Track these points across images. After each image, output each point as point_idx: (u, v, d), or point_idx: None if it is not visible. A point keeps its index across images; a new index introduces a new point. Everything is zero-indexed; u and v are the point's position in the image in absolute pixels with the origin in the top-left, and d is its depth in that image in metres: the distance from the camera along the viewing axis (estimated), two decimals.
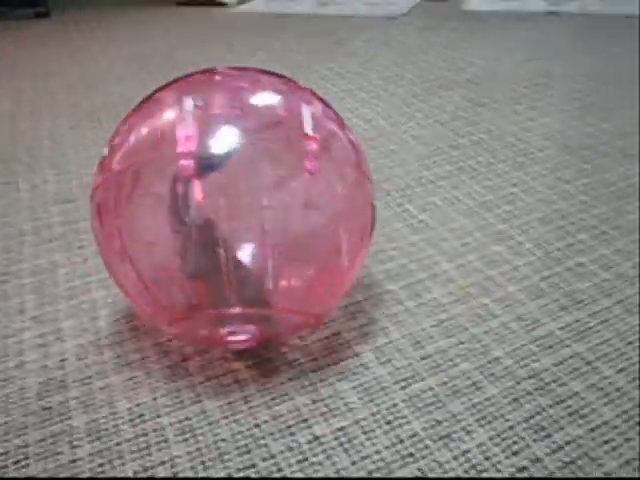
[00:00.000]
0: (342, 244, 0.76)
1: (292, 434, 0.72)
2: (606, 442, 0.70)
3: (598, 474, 0.66)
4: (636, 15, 2.37)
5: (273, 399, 0.77)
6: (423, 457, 0.69)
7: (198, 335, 0.80)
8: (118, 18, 2.65)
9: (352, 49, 2.06)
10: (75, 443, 0.73)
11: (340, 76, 1.79)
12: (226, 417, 0.75)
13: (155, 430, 0.73)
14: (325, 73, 1.82)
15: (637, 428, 0.71)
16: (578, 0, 2.61)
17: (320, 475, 0.67)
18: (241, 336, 0.77)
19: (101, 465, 0.70)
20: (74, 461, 0.70)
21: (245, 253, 0.70)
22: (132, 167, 0.73)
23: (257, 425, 0.73)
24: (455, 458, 0.69)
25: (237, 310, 0.73)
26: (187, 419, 0.75)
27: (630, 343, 0.83)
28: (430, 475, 0.67)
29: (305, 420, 0.74)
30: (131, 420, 0.75)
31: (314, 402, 0.76)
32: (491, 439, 0.71)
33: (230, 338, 0.77)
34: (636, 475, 0.66)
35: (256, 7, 2.73)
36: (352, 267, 0.79)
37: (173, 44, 2.23)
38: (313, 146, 0.72)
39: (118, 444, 0.72)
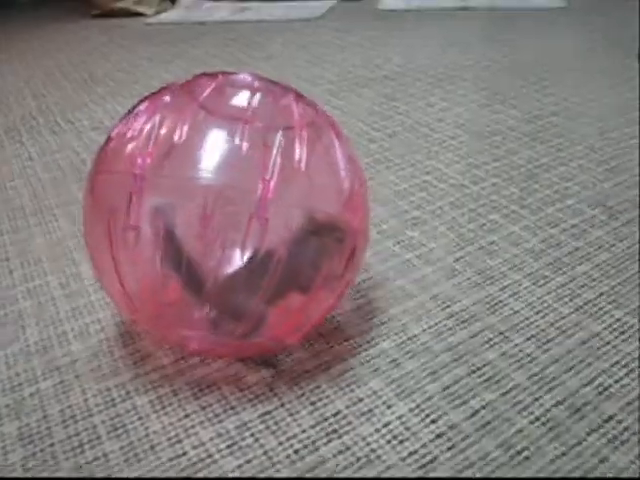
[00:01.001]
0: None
1: (220, 421, 0.74)
2: (517, 403, 0.74)
3: (511, 432, 0.70)
4: (539, 7, 2.46)
5: (201, 390, 0.79)
6: (346, 432, 0.72)
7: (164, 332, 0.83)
8: (35, 31, 2.64)
9: (269, 53, 2.09)
10: (8, 448, 0.74)
11: None
12: (156, 411, 0.77)
13: (87, 429, 0.75)
14: None
15: (544, 388, 0.76)
16: None
17: (249, 458, 0.70)
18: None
19: (34, 467, 0.71)
20: (7, 466, 0.71)
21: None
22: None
23: (187, 415, 0.75)
24: (377, 431, 0.72)
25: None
26: (118, 416, 0.76)
27: (538, 312, 0.87)
28: (354, 448, 0.70)
29: (233, 407, 0.76)
30: (63, 422, 0.76)
31: (241, 390, 0.78)
32: (411, 410, 0.74)
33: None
34: (544, 430, 0.71)
35: (174, 17, 2.75)
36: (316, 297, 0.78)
37: (91, 56, 2.23)
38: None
39: (51, 445, 0.73)
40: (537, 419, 0.72)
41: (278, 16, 2.62)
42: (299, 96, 0.78)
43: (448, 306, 0.90)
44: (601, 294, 0.91)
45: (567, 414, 0.73)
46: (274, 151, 0.71)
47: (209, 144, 0.73)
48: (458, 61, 1.88)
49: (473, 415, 0.73)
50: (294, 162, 0.72)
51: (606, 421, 0.72)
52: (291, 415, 0.75)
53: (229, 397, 0.78)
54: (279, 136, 0.72)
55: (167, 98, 0.77)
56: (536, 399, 0.75)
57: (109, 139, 0.78)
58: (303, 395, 0.77)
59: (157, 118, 0.74)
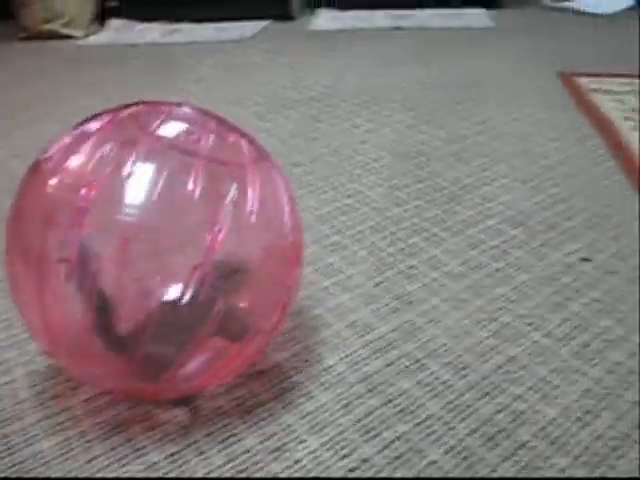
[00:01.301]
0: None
1: (127, 463, 0.72)
2: (431, 433, 0.73)
3: (423, 464, 0.69)
4: (469, 27, 2.49)
5: (110, 430, 0.76)
6: (257, 471, 0.70)
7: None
8: None
9: (198, 75, 2.07)
10: None
11: None
12: (62, 454, 0.73)
13: None
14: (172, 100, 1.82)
15: (459, 416, 0.75)
16: (418, 16, 2.72)
17: None
18: None
19: None
20: None
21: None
22: None
23: (94, 458, 0.72)
24: (288, 467, 0.70)
25: None
26: (20, 462, 0.73)
27: (455, 337, 0.86)
28: None
29: (141, 448, 0.73)
30: None
31: (151, 429, 0.75)
32: (323, 445, 0.72)
33: None
34: (458, 460, 0.69)
35: (104, 39, 2.70)
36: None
37: (15, 80, 2.18)
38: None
39: None
40: (451, 449, 0.71)
41: (209, 37, 2.61)
42: (243, 134, 0.76)
43: (365, 334, 0.88)
44: (519, 316, 0.90)
45: (481, 442, 0.72)
46: (227, 201, 0.68)
47: (159, 182, 0.67)
48: (386, 81, 1.88)
49: (386, 447, 0.72)
50: (245, 213, 0.70)
51: (519, 448, 0.71)
52: (201, 454, 0.72)
53: (139, 437, 0.75)
54: (233, 186, 0.69)
55: (108, 126, 0.73)
56: (450, 428, 0.73)
57: (40, 165, 0.73)
58: (213, 433, 0.75)
59: (107, 147, 0.69)
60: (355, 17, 2.77)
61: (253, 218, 0.70)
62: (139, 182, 0.67)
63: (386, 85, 1.84)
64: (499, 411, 0.75)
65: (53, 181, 0.70)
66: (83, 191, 0.67)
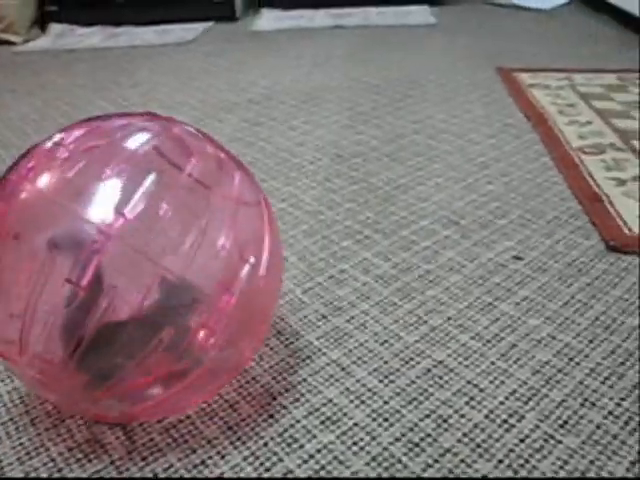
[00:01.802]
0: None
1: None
2: (355, 443, 0.71)
3: (345, 475, 0.68)
4: (411, 25, 2.49)
5: (27, 453, 0.73)
6: None
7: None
8: None
9: (136, 79, 2.04)
10: None
11: (122, 108, 1.76)
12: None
13: None
14: (106, 107, 1.79)
15: (384, 424, 0.73)
16: (360, 14, 2.71)
17: None
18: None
19: None
20: None
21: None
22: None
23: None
24: None
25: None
26: None
27: (384, 342, 0.85)
28: None
29: (60, 470, 0.71)
30: None
31: (70, 450, 0.73)
32: (245, 459, 0.71)
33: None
34: (380, 470, 0.68)
35: (43, 44, 2.65)
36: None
37: None
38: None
39: None
40: (374, 459, 0.70)
41: (150, 40, 2.57)
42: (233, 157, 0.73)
43: (291, 342, 0.86)
44: (448, 318, 0.89)
45: (405, 450, 0.70)
46: (246, 267, 0.67)
47: (183, 220, 0.64)
48: (324, 81, 1.87)
49: (309, 459, 0.70)
50: (257, 277, 0.68)
51: (443, 454, 0.70)
52: (120, 473, 0.70)
53: (57, 459, 0.72)
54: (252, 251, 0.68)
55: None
56: (374, 437, 0.72)
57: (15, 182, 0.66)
58: (135, 450, 0.72)
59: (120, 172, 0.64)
60: (298, 16, 2.77)
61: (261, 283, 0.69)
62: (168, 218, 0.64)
63: (325, 85, 1.83)
64: (425, 417, 0.74)
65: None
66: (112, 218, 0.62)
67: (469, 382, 0.79)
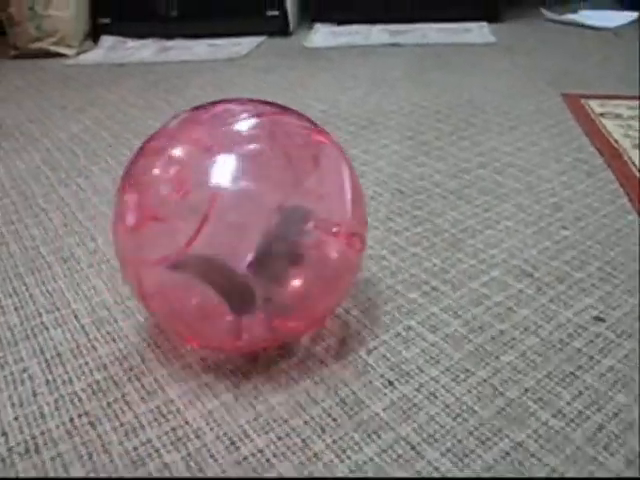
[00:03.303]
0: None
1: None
2: None
3: None
4: (469, 43, 2.41)
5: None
6: None
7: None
8: None
9: (186, 97, 1.99)
10: None
11: None
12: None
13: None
14: (155, 125, 1.74)
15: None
16: (417, 31, 2.64)
17: None
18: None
19: None
20: None
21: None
22: None
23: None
24: None
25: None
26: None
27: (456, 417, 0.78)
28: None
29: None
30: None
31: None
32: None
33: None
34: None
35: (94, 57, 2.63)
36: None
37: (4, 102, 2.10)
38: None
39: None
40: None
41: (202, 55, 2.53)
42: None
43: (356, 413, 0.80)
44: (526, 390, 0.82)
45: None
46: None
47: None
48: (383, 105, 1.80)
49: None
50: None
51: None
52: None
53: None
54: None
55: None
56: None
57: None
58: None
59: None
60: (353, 32, 2.71)
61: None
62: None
63: (383, 109, 1.76)
64: None
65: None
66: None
67: (553, 470, 0.71)
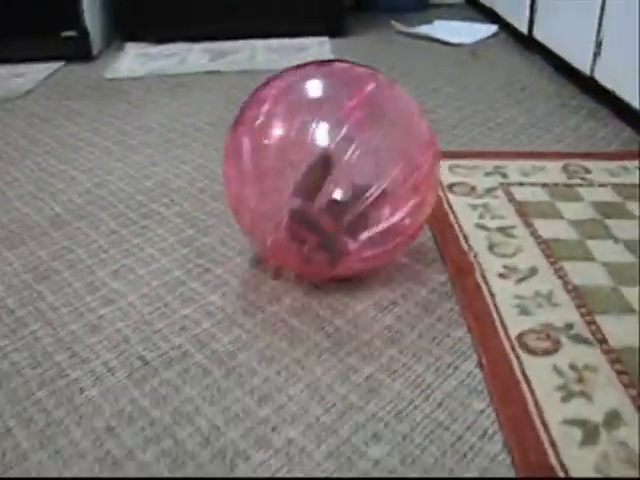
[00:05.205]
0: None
1: None
2: None
3: None
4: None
5: None
6: None
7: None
8: None
9: None
10: None
11: None
12: None
13: None
14: None
15: None
16: (246, 50, 2.21)
17: None
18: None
19: None
20: None
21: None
22: None
23: None
24: None
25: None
26: None
27: None
28: None
29: None
30: None
31: None
32: None
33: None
34: None
35: None
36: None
37: None
38: None
39: None
40: None
41: None
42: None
43: None
44: None
45: None
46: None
47: None
48: (169, 180, 1.34)
49: None
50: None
51: None
52: None
53: None
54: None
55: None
56: None
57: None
58: None
59: None
60: (168, 54, 2.25)
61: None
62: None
63: (167, 187, 1.30)
64: None
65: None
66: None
67: None
